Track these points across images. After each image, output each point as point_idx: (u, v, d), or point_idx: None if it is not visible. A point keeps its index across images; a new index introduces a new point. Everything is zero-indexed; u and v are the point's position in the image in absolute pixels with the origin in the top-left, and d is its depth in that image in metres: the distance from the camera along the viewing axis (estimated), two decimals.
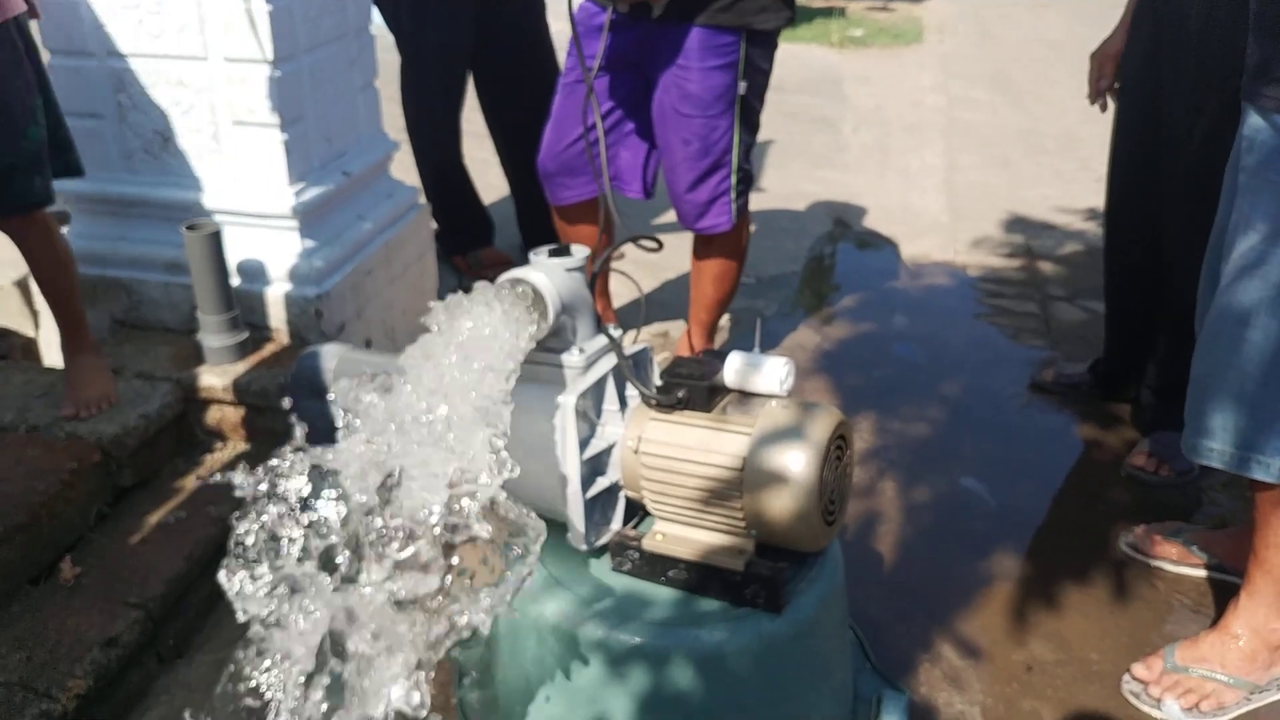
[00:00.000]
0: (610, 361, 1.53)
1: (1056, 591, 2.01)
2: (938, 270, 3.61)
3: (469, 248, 3.48)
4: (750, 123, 2.39)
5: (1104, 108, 2.52)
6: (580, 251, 1.51)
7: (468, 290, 1.32)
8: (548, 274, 1.44)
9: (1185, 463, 2.34)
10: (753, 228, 3.60)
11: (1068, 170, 4.64)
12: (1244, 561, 1.84)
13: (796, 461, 1.35)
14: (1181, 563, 2.08)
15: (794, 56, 6.85)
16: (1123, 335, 2.60)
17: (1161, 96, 2.25)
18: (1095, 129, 3.76)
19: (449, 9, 3.17)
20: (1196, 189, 2.16)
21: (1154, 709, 1.74)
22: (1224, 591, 1.98)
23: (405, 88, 3.35)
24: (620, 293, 3.01)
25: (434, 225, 2.97)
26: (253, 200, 2.29)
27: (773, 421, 1.41)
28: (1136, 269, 2.47)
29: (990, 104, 5.95)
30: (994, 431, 2.59)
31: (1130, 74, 2.37)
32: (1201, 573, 2.06)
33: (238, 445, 2.21)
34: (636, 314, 2.97)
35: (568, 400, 1.43)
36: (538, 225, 3.29)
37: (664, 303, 3.20)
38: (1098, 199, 2.60)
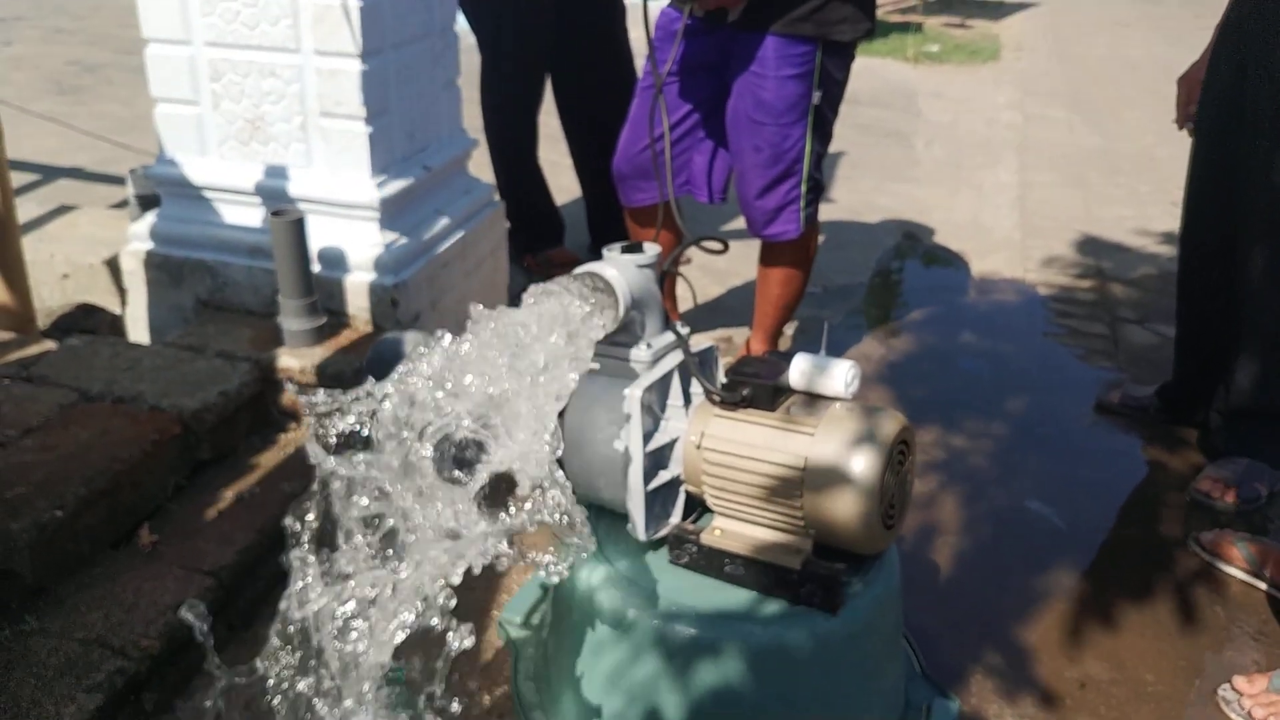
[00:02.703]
0: (676, 358, 1.55)
1: (1115, 611, 2.00)
2: (1007, 287, 3.59)
3: (539, 247, 3.53)
4: (822, 132, 2.41)
5: (1192, 132, 2.49)
6: (652, 249, 1.54)
7: None
8: (620, 269, 1.47)
9: (1252, 489, 2.32)
10: (821, 238, 3.61)
11: (1144, 192, 4.57)
12: None
13: (859, 463, 1.37)
14: (1240, 569, 2.09)
15: (869, 70, 6.84)
16: (1193, 359, 2.57)
17: (1243, 121, 2.22)
18: (1173, 151, 3.72)
19: (529, 11, 3.23)
20: (1277, 218, 2.14)
21: (1240, 717, 1.75)
22: None
23: (484, 87, 3.42)
24: (684, 298, 3.04)
25: (506, 224, 3.03)
26: (336, 190, 2.36)
27: (837, 423, 1.42)
28: (1210, 294, 2.44)
29: (1066, 123, 5.88)
30: (1057, 450, 2.57)
31: (1211, 98, 2.35)
32: (1255, 582, 2.06)
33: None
34: (699, 319, 2.99)
35: (634, 393, 1.46)
36: (607, 228, 3.33)
37: (729, 308, 3.22)
38: (1173, 222, 2.57)
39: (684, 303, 2.95)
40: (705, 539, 1.51)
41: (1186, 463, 2.50)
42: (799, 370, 1.52)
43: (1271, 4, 2.13)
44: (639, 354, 1.51)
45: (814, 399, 1.52)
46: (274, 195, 2.40)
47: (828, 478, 1.39)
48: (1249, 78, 2.19)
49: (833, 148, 2.58)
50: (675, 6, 2.32)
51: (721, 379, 1.58)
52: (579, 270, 1.46)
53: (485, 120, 3.46)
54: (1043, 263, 3.80)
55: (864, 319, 3.33)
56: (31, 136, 4.49)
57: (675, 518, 1.59)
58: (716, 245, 1.68)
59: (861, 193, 4.53)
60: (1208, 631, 1.97)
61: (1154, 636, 1.94)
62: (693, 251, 1.68)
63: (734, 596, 1.48)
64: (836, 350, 3.05)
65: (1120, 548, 2.23)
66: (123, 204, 3.31)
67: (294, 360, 2.24)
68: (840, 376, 1.49)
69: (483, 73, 3.41)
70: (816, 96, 2.33)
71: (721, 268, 3.28)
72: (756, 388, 1.51)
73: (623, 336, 1.51)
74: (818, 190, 2.48)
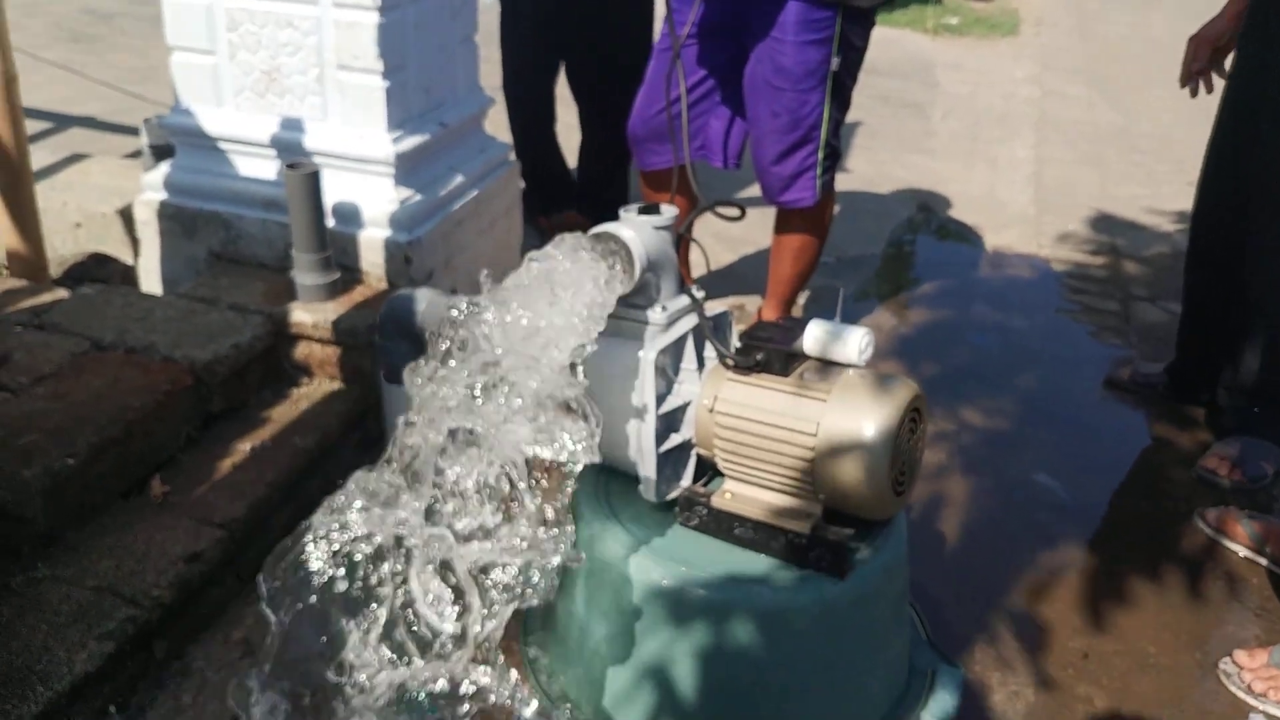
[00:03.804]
0: (691, 321, 1.56)
1: (1119, 585, 2.01)
2: (1020, 262, 3.57)
3: (553, 209, 3.52)
4: (841, 99, 2.39)
5: (1194, 92, 2.48)
6: (669, 211, 1.54)
7: None
8: (636, 230, 1.47)
9: (1259, 468, 2.32)
10: (836, 207, 3.59)
11: (1161, 171, 4.54)
12: None
13: (870, 429, 1.37)
14: (1243, 546, 2.11)
15: (887, 41, 6.77)
16: (1197, 338, 2.58)
17: (1264, 101, 2.21)
18: (1192, 131, 3.67)
19: None
20: None
21: (1241, 691, 1.77)
22: None
23: (504, 44, 3.40)
24: (697, 264, 3.03)
25: (521, 184, 3.02)
26: (352, 144, 2.35)
27: (849, 389, 1.43)
28: (1219, 273, 2.44)
29: (1085, 100, 5.83)
30: (1067, 425, 2.57)
31: (1237, 77, 2.33)
32: (1257, 559, 2.08)
33: (323, 381, 2.28)
34: (712, 285, 2.99)
35: (648, 355, 1.46)
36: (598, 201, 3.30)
37: (742, 276, 3.22)
38: (1188, 202, 2.56)
39: (697, 268, 2.94)
40: (716, 502, 1.52)
41: (1194, 440, 2.50)
42: (813, 336, 1.52)
43: None
44: (654, 316, 1.51)
45: (827, 365, 1.52)
46: (289, 148, 2.38)
47: (840, 443, 1.39)
48: (1274, 57, 2.17)
49: (850, 118, 2.57)
50: None
51: (736, 344, 1.58)
52: (595, 230, 1.46)
53: (504, 81, 3.44)
54: (1057, 239, 3.79)
55: (877, 290, 3.32)
56: (44, 85, 4.48)
57: (686, 480, 1.60)
58: (733, 211, 1.67)
59: (877, 163, 4.50)
60: (1210, 606, 1.98)
61: (1157, 609, 1.96)
62: (706, 217, 1.68)
63: (743, 560, 1.48)
64: (848, 319, 3.04)
65: (1126, 522, 2.24)
66: (135, 154, 3.30)
67: (307, 315, 2.24)
68: (854, 343, 1.49)
69: (502, 35, 3.39)
70: (836, 63, 2.31)
71: (736, 235, 3.27)
72: (770, 353, 1.51)
73: (638, 298, 1.51)
74: (835, 158, 2.47)
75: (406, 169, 2.39)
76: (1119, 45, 7.22)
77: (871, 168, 4.44)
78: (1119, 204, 4.15)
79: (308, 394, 2.25)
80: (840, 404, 1.41)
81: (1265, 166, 2.22)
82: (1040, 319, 3.15)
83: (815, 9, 2.25)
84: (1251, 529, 2.09)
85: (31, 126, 3.70)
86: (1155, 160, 4.72)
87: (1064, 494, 2.29)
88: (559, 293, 1.31)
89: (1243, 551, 2.10)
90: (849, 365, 1.50)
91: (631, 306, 1.52)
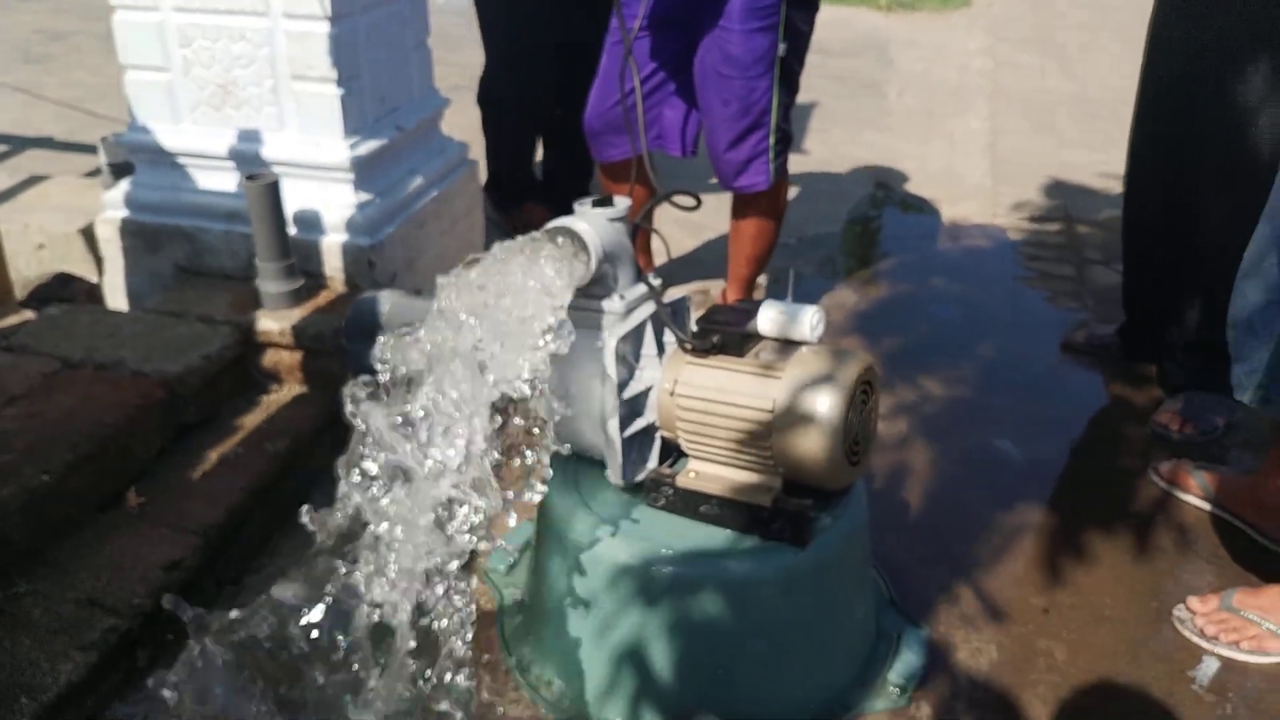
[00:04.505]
0: (649, 309, 1.60)
1: (1077, 541, 2.07)
2: (978, 233, 3.64)
3: (513, 203, 3.54)
4: (790, 84, 2.44)
5: None
6: (622, 203, 1.58)
7: None
8: (591, 223, 1.51)
9: (1209, 421, 2.39)
10: (794, 189, 3.64)
11: (1112, 135, 4.60)
12: (1242, 505, 2.04)
13: (823, 403, 1.43)
14: (1195, 496, 2.17)
15: (841, 20, 6.83)
16: (1142, 297, 2.64)
17: (1193, 68, 2.24)
18: None
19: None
20: (1226, 161, 2.18)
21: (1194, 635, 1.82)
22: (1243, 549, 2.04)
23: (493, 33, 3.37)
24: (658, 251, 3.08)
25: (481, 181, 3.04)
26: (310, 152, 2.37)
27: (802, 366, 1.48)
28: (1155, 233, 2.50)
29: (1038, 68, 5.91)
30: (1025, 390, 2.63)
31: (1163, 45, 2.35)
32: (1210, 508, 2.15)
33: (293, 387, 2.31)
34: (675, 272, 3.03)
35: (608, 342, 1.51)
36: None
37: (704, 261, 3.26)
38: None
39: (658, 256, 2.99)
40: (681, 481, 1.57)
41: (1148, 398, 2.57)
42: (767, 317, 1.57)
43: None
44: (612, 305, 1.56)
45: (783, 344, 1.57)
46: (248, 159, 2.41)
47: (794, 418, 1.44)
48: (1202, 18, 2.21)
49: (805, 99, 2.62)
50: None
51: (693, 328, 1.63)
52: (551, 225, 1.50)
53: (489, 74, 3.43)
54: (1012, 208, 3.86)
55: (837, 268, 3.38)
56: (0, 107, 4.47)
57: (652, 463, 1.65)
58: (688, 201, 1.72)
59: (834, 144, 4.56)
60: (1164, 556, 2.04)
61: (1113, 563, 2.02)
62: (667, 206, 1.72)
63: (710, 535, 1.54)
64: (810, 298, 3.09)
65: (1083, 481, 2.30)
66: (95, 173, 3.31)
67: (273, 322, 2.27)
68: (806, 322, 1.54)
69: (486, 24, 3.37)
70: (782, 49, 2.35)
71: (696, 221, 3.31)
72: (726, 335, 1.56)
73: (596, 289, 1.56)
74: (786, 141, 2.51)
75: (365, 174, 2.42)
76: (1069, 12, 7.31)
77: (828, 148, 4.49)
78: (1072, 170, 4.23)
79: (278, 400, 2.28)
80: (793, 380, 1.46)
81: (1199, 126, 2.26)
82: (998, 288, 3.22)
83: None
84: (1202, 480, 2.16)
85: None
86: (1107, 124, 4.80)
87: (1024, 456, 2.35)
88: (522, 279, 1.36)
89: (1194, 502, 2.16)
90: (803, 342, 1.55)
91: (590, 297, 1.56)
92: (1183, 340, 2.46)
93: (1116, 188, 3.96)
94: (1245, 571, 1.99)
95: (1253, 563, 2.01)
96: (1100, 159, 4.31)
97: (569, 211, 1.56)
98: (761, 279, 3.08)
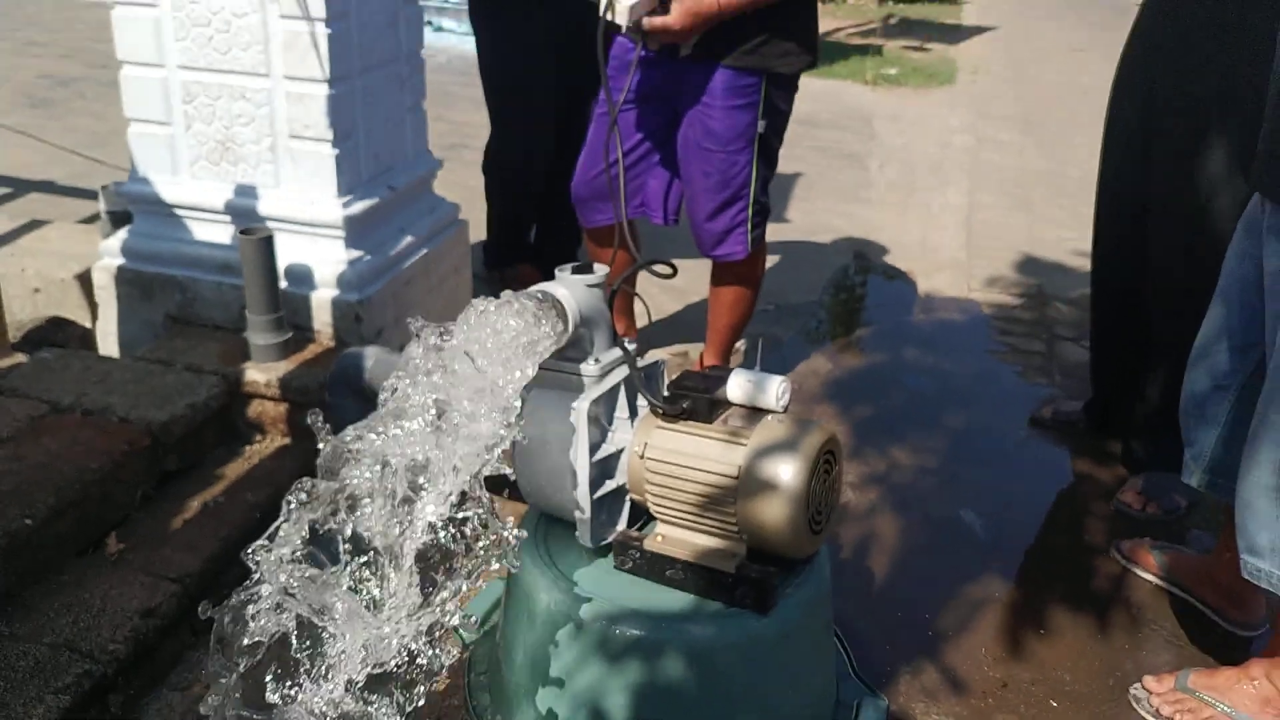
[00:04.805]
0: (623, 372, 1.66)
1: (1039, 615, 2.12)
2: (951, 305, 3.73)
3: (506, 262, 3.60)
4: (769, 159, 2.53)
5: None
6: (601, 269, 1.64)
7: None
8: (569, 288, 1.57)
9: (1172, 501, 2.44)
10: (775, 258, 3.72)
11: (1086, 214, 4.63)
12: (1199, 585, 2.09)
13: (786, 472, 1.47)
14: (1154, 575, 2.22)
15: (828, 93, 6.99)
16: (1108, 374, 2.70)
17: (1152, 148, 2.31)
18: None
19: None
20: (1186, 242, 2.26)
21: (1149, 714, 1.85)
22: (1201, 628, 2.09)
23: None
24: (641, 314, 3.14)
25: (470, 242, 3.11)
26: (303, 209, 2.45)
27: (768, 434, 1.53)
28: (1121, 310, 2.57)
29: (1017, 146, 6.06)
30: (992, 464, 2.69)
31: (1119, 123, 2.43)
32: (1169, 587, 2.20)
33: (276, 438, 2.36)
34: (657, 335, 3.09)
35: (581, 405, 1.56)
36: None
37: (687, 324, 3.33)
38: None
39: (640, 319, 3.05)
40: (648, 545, 1.60)
41: (1113, 474, 2.63)
42: (735, 385, 1.63)
43: (1180, 27, 2.20)
44: (588, 369, 1.61)
45: (752, 411, 1.63)
46: (243, 214, 2.48)
47: (758, 486, 1.49)
48: (1158, 103, 2.28)
49: (789, 169, 2.70)
50: (629, 37, 2.43)
51: (666, 393, 1.68)
52: (531, 289, 1.56)
53: (487, 168, 3.52)
54: (986, 282, 3.95)
55: (814, 335, 3.45)
56: (2, 150, 4.53)
57: (621, 525, 1.69)
58: (665, 269, 1.78)
59: (816, 214, 4.66)
60: (1124, 634, 2.08)
61: (1074, 639, 2.06)
62: (643, 272, 1.79)
63: (674, 599, 1.57)
64: (787, 366, 3.16)
65: (1047, 555, 2.35)
66: (94, 218, 3.37)
67: (260, 374, 2.32)
68: (772, 390, 1.60)
69: (493, 141, 3.46)
70: (762, 125, 2.45)
71: (680, 286, 3.39)
72: (696, 400, 1.61)
73: (573, 352, 1.61)
74: (764, 213, 2.60)
75: (356, 231, 2.49)
76: (1051, 91, 7.50)
77: (810, 218, 4.59)
78: (1045, 246, 4.34)
79: (260, 450, 2.32)
80: (758, 447, 1.51)
81: (1159, 200, 2.32)
82: (970, 360, 3.30)
83: (742, 76, 2.39)
84: (1161, 559, 2.21)
85: None
86: (1081, 203, 4.89)
87: (984, 532, 2.40)
88: (497, 335, 1.41)
89: (1154, 580, 2.21)
90: (769, 410, 1.61)
91: (567, 360, 1.61)
92: (1145, 418, 2.50)
93: (1087, 265, 4.05)
94: (1201, 652, 2.04)
95: (1209, 643, 2.06)
96: (1074, 237, 4.42)
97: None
98: (740, 344, 3.14)
